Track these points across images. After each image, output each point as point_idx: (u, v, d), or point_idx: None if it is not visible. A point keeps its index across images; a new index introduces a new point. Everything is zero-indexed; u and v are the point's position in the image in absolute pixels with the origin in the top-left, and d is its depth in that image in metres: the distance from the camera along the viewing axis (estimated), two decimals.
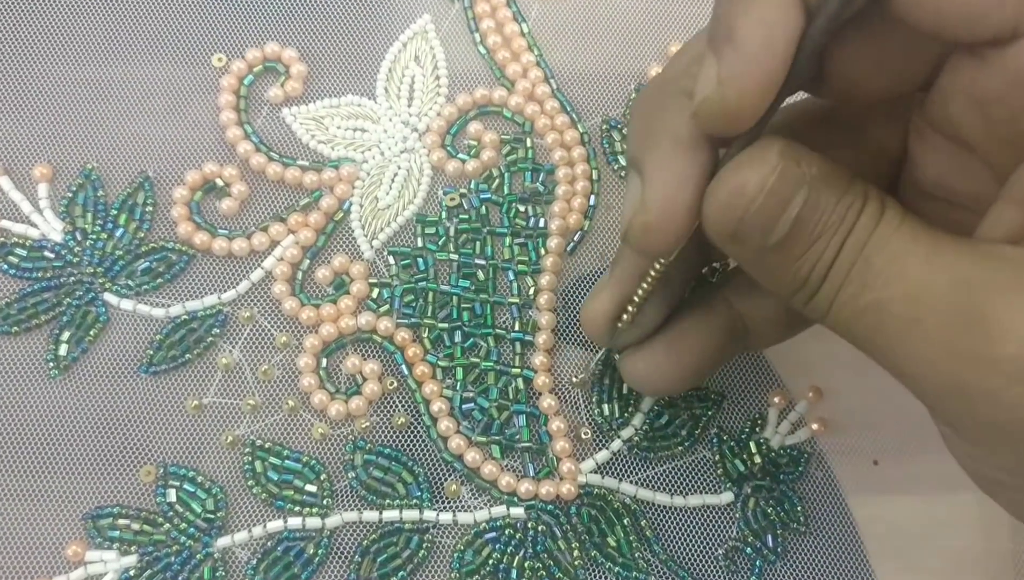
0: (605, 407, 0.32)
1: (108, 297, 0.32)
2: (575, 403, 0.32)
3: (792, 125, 0.25)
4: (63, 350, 0.32)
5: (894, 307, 0.21)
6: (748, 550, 0.31)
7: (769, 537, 0.31)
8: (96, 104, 0.35)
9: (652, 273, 0.26)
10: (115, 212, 0.33)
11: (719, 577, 0.31)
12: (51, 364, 0.32)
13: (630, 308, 0.28)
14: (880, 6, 0.20)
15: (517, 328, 0.33)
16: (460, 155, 0.35)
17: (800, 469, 0.32)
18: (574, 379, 0.32)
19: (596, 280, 0.33)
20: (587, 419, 0.32)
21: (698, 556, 0.31)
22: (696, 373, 0.29)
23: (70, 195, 0.33)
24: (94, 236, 0.33)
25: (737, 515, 0.32)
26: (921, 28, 0.20)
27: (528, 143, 0.35)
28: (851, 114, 0.25)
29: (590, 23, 0.37)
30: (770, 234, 0.22)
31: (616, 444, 0.32)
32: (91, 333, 0.32)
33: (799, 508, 0.32)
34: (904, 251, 0.21)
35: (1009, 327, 0.19)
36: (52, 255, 0.33)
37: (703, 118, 0.22)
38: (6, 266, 0.33)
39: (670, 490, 0.31)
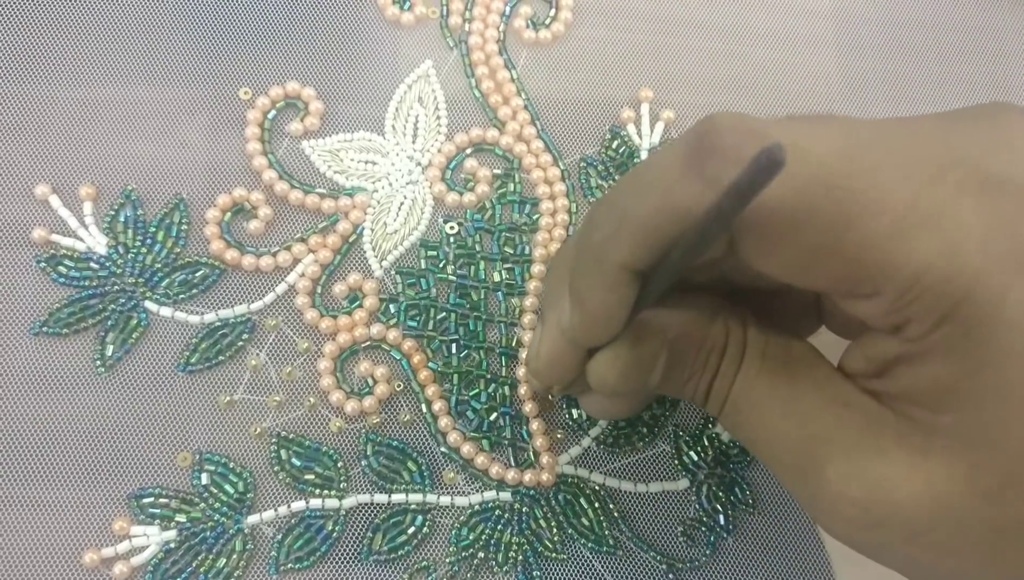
0: (574, 411, 0.35)
1: (148, 304, 0.35)
2: (552, 406, 0.36)
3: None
4: (109, 350, 0.35)
5: (758, 448, 0.26)
6: (703, 528, 0.34)
7: (721, 516, 0.35)
8: (136, 128, 0.37)
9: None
10: (153, 229, 0.36)
11: (678, 549, 0.34)
12: (98, 362, 0.34)
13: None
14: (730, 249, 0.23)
15: (504, 344, 0.36)
16: (457, 188, 0.38)
17: (748, 458, 0.35)
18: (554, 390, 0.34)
19: None
20: (560, 421, 0.35)
21: (659, 533, 0.35)
22: (647, 400, 0.33)
23: (113, 213, 0.36)
24: (135, 250, 0.36)
25: (693, 498, 0.35)
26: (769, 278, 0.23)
27: (516, 178, 0.38)
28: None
29: (571, 70, 0.40)
30: (648, 384, 0.27)
31: (586, 441, 0.35)
32: (133, 336, 0.35)
33: (748, 491, 0.35)
34: (763, 404, 0.25)
35: (844, 489, 0.23)
36: (97, 266, 0.35)
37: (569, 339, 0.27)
38: (55, 275, 0.35)
39: (633, 479, 0.35)
